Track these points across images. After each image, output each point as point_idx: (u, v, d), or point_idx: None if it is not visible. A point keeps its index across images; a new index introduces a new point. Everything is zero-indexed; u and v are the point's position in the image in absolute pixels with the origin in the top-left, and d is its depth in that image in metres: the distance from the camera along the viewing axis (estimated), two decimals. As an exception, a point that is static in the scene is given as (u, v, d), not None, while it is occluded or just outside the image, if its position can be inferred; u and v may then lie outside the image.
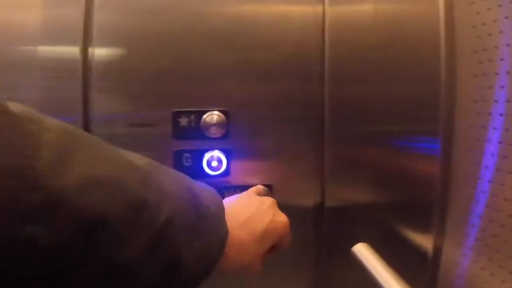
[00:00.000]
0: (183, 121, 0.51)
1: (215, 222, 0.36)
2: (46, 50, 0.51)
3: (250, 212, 0.41)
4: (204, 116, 0.51)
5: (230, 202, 0.41)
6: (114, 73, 0.51)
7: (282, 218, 0.44)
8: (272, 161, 0.53)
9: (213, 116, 0.51)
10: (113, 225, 0.27)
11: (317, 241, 0.55)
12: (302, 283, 0.58)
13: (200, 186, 0.37)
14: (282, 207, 0.53)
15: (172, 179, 0.34)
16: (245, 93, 0.52)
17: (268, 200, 0.45)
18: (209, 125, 0.51)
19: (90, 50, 0.51)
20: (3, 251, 0.24)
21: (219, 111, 0.51)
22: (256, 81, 0.52)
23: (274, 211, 0.44)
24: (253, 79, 0.52)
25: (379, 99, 0.53)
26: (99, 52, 0.51)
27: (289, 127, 0.52)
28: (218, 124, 0.51)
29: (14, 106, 0.26)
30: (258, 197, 0.46)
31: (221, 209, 0.37)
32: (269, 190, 0.52)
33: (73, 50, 0.51)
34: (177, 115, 0.51)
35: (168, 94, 0.51)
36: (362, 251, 0.50)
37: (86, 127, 0.51)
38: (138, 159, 0.33)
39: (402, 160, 0.54)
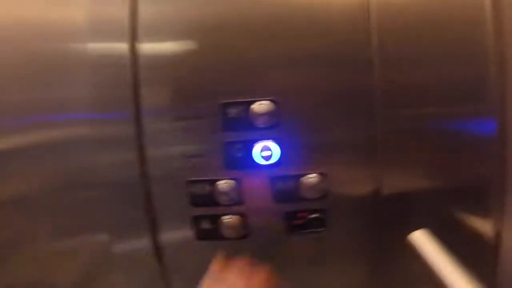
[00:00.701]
0: (232, 112, 0.50)
1: None
2: (95, 47, 0.51)
3: None
4: (253, 106, 0.50)
5: None
6: (162, 67, 0.51)
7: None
8: (325, 149, 0.52)
9: (262, 105, 0.50)
10: None
11: (374, 229, 0.54)
12: (359, 273, 0.57)
13: None
14: (338, 195, 0.53)
15: None
16: (294, 81, 0.51)
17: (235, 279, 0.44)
18: (258, 115, 0.50)
19: (137, 45, 0.50)
20: None
21: (268, 100, 0.50)
22: (304, 69, 0.51)
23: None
24: (301, 67, 0.51)
25: (430, 80, 0.51)
26: (146, 47, 0.51)
27: (340, 114, 0.51)
28: (267, 114, 0.50)
29: None
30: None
31: None
32: (324, 178, 0.52)
33: (121, 46, 0.50)
34: (225, 106, 0.50)
35: (216, 85, 0.51)
36: (420, 238, 0.48)
37: (137, 123, 0.51)
38: None
39: (458, 142, 0.52)
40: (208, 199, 0.52)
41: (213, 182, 0.52)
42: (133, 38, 0.50)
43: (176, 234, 0.55)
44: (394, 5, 0.51)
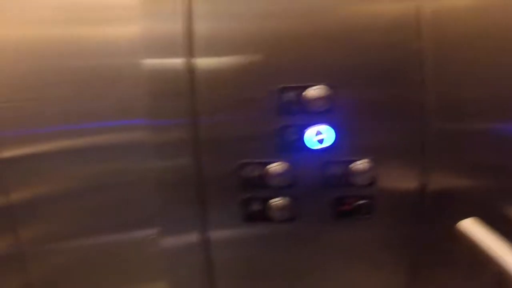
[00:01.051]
0: (287, 96, 0.52)
1: None
2: (151, 63, 0.53)
3: None
4: (308, 91, 0.51)
5: None
6: (218, 80, 0.52)
7: None
8: (376, 136, 0.53)
9: (317, 90, 0.51)
10: None
11: (419, 222, 0.55)
12: (401, 269, 0.57)
13: None
14: (385, 185, 0.54)
15: None
16: (349, 69, 0.52)
17: None
18: (313, 100, 0.51)
19: (193, 60, 0.52)
20: None
21: (323, 85, 0.51)
22: (359, 61, 0.52)
23: None
24: (356, 60, 0.52)
25: (481, 90, 0.52)
26: (202, 62, 0.52)
27: (392, 108, 0.52)
28: (322, 99, 0.51)
29: None
30: None
31: None
32: (374, 165, 0.52)
33: (177, 62, 0.52)
34: (281, 91, 0.52)
35: (272, 72, 0.52)
36: (471, 226, 0.48)
37: (195, 132, 0.53)
38: None
39: (506, 145, 0.52)
40: (258, 182, 0.54)
41: (264, 164, 0.53)
42: (189, 52, 0.52)
43: (225, 226, 0.57)
44: (445, 11, 0.52)
